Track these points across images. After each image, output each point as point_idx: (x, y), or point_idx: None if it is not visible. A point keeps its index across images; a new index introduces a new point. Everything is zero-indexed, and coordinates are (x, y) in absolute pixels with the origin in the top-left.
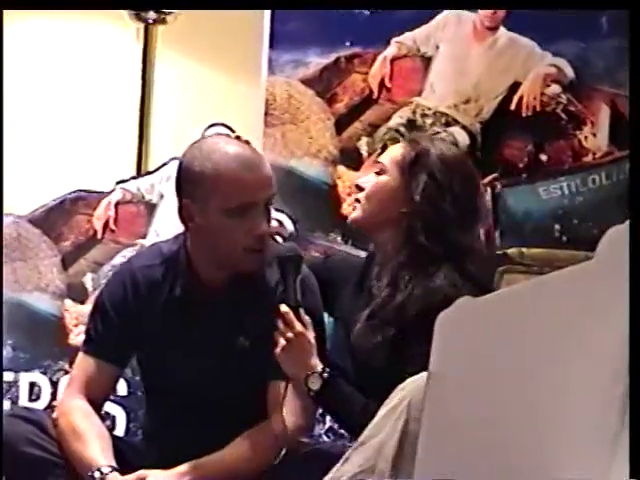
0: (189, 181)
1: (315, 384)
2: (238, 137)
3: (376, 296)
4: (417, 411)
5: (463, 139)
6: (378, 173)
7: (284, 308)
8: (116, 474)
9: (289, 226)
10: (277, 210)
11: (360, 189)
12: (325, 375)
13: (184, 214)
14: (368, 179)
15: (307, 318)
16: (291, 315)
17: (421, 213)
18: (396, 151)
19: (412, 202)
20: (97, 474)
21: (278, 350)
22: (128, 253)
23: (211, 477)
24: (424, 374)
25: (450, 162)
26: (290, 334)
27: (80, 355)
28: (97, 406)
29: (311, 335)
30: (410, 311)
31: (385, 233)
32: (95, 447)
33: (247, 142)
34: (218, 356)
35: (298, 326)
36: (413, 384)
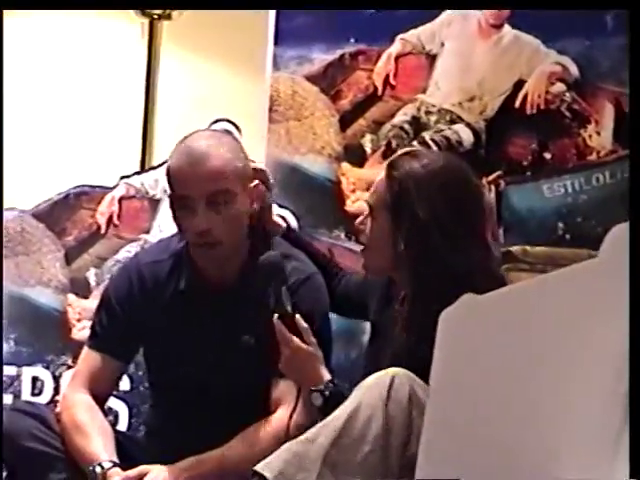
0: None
1: (317, 400)
2: (229, 132)
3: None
4: (371, 399)
5: (467, 137)
6: (371, 216)
7: (276, 321)
8: (117, 469)
9: (293, 222)
10: (280, 206)
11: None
12: (327, 393)
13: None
14: (364, 221)
15: (304, 326)
16: (283, 330)
17: (413, 252)
18: (379, 189)
19: (404, 242)
20: (98, 469)
21: (281, 363)
22: (132, 248)
23: (211, 473)
24: (389, 370)
25: (435, 182)
26: (287, 349)
27: (85, 350)
28: (101, 401)
29: (311, 346)
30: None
31: (396, 271)
32: (97, 442)
33: (233, 135)
34: (222, 353)
35: (294, 340)
36: (374, 377)
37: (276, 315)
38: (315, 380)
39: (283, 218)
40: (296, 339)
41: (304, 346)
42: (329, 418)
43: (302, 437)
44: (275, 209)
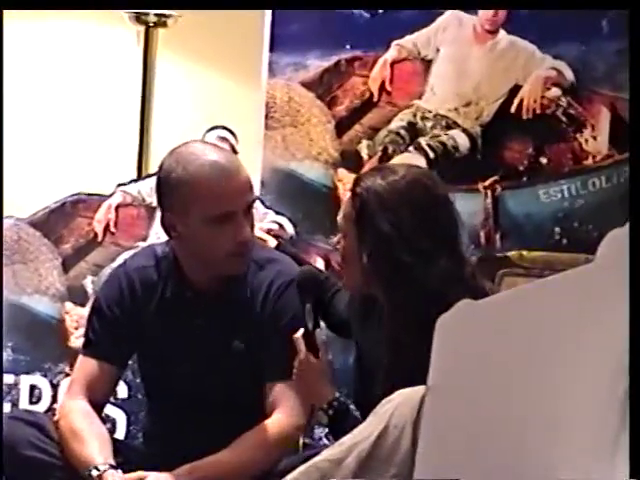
0: (167, 193)
1: (323, 419)
2: (225, 139)
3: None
4: (399, 418)
5: (463, 142)
6: (342, 233)
7: (297, 336)
8: (113, 471)
9: (289, 229)
10: (277, 213)
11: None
12: (330, 412)
13: (166, 224)
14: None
15: (322, 342)
16: (302, 345)
17: (378, 266)
18: (347, 206)
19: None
20: (94, 472)
21: (294, 375)
22: (130, 254)
23: (210, 479)
24: (416, 388)
25: (397, 197)
26: (302, 364)
27: (80, 357)
28: (98, 408)
29: (324, 363)
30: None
31: (368, 288)
32: (93, 446)
33: (231, 145)
34: (214, 359)
35: (309, 357)
36: (401, 395)
37: (301, 331)
38: (321, 396)
39: (280, 225)
40: (311, 357)
41: (317, 363)
42: (357, 437)
43: (329, 455)
44: (271, 216)
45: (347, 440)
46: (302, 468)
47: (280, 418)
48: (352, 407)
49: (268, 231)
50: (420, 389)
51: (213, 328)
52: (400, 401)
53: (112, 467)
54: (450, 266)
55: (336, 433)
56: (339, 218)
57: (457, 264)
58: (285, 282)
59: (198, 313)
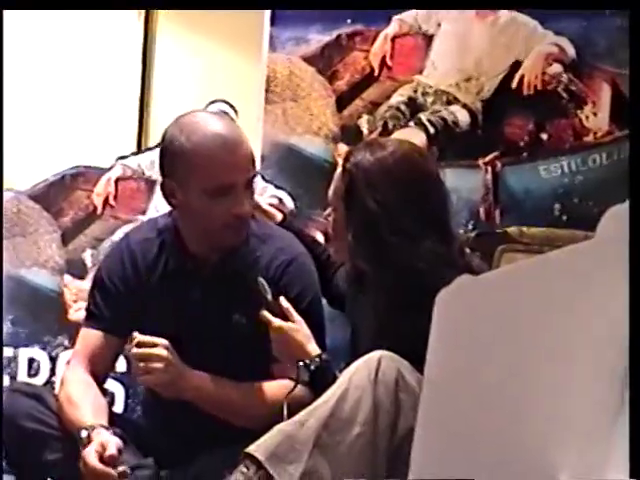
0: (169, 160)
1: (304, 375)
2: (225, 113)
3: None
4: (359, 380)
5: (464, 117)
6: (332, 206)
7: (262, 312)
8: (103, 430)
9: (289, 203)
10: (277, 187)
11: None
12: (312, 367)
13: (166, 191)
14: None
15: (286, 306)
16: (266, 315)
17: (364, 243)
18: (337, 180)
19: (352, 233)
20: (84, 432)
21: (273, 349)
22: (128, 229)
23: (217, 400)
24: (373, 352)
25: (385, 174)
26: (273, 332)
27: (82, 331)
28: (99, 380)
29: (296, 324)
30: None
31: (355, 262)
32: (86, 410)
33: (231, 119)
34: (214, 331)
35: (275, 322)
36: (360, 360)
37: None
38: (303, 357)
39: (279, 199)
40: (277, 320)
41: (286, 325)
42: (319, 401)
43: (293, 419)
44: (271, 190)
45: (311, 405)
46: (269, 434)
47: (287, 383)
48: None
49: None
50: (377, 353)
51: (214, 301)
52: (359, 364)
53: (103, 427)
54: (437, 246)
55: (316, 391)
56: (330, 192)
57: (445, 243)
58: (286, 260)
59: (199, 285)
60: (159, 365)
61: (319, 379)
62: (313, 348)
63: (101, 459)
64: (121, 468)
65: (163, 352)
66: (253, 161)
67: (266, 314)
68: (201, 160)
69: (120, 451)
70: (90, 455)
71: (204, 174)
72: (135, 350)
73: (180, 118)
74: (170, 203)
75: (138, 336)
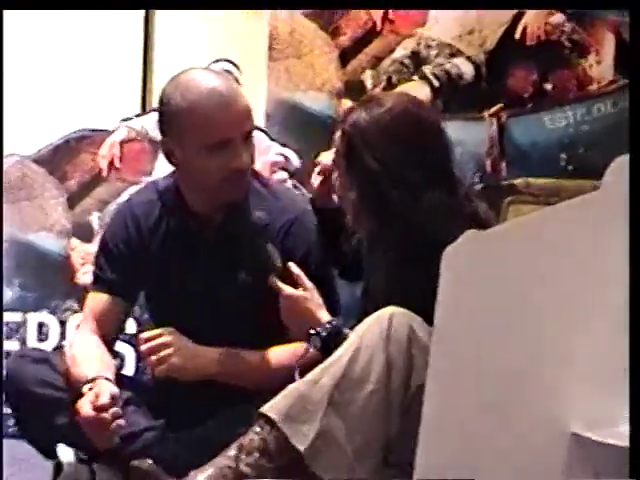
0: (166, 119)
1: (316, 342)
2: (229, 71)
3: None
4: (371, 338)
5: (468, 70)
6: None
7: (270, 278)
8: (104, 381)
9: (295, 161)
10: (282, 145)
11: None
12: (324, 334)
13: (165, 150)
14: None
15: (296, 273)
16: (276, 282)
17: (368, 202)
18: (336, 140)
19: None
20: (86, 387)
21: (281, 315)
22: (133, 191)
23: (231, 372)
24: (384, 309)
25: (381, 130)
26: (282, 300)
27: (89, 294)
28: (108, 343)
29: (307, 291)
30: None
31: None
32: (90, 366)
33: (235, 77)
34: (220, 291)
35: (285, 289)
36: (371, 317)
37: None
38: (314, 324)
39: (285, 157)
40: (287, 288)
41: (296, 293)
42: (331, 359)
43: (305, 378)
44: (276, 148)
45: (324, 363)
46: (282, 393)
47: (300, 346)
48: (346, 331)
49: (274, 164)
50: (389, 309)
51: (218, 261)
52: (370, 322)
53: (105, 379)
54: (442, 196)
55: (328, 355)
56: (333, 151)
57: (450, 193)
58: (289, 220)
59: (203, 245)
60: (168, 351)
61: (331, 344)
62: (324, 314)
63: (95, 408)
64: (113, 410)
65: (168, 338)
66: (250, 115)
67: (276, 281)
68: (196, 117)
69: (114, 397)
70: (83, 405)
71: (200, 130)
72: (143, 347)
73: (175, 77)
74: (171, 162)
75: (142, 335)
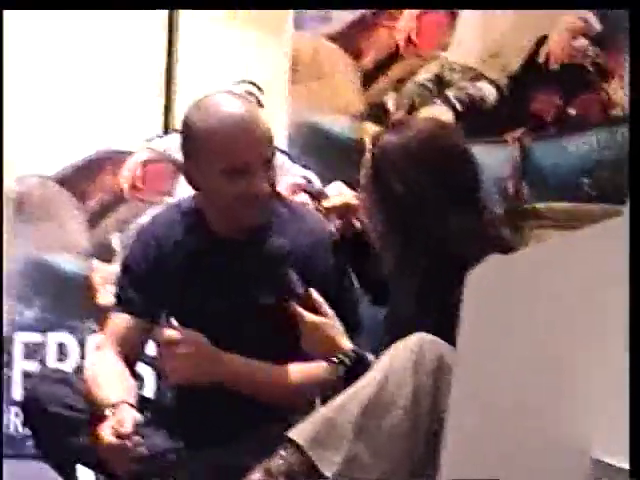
0: (188, 142)
1: (332, 374)
2: (251, 93)
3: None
4: (400, 363)
5: (491, 93)
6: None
7: (291, 303)
8: (126, 406)
9: (316, 183)
10: (304, 167)
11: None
12: (348, 362)
13: (187, 173)
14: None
15: (319, 300)
16: (296, 308)
17: (394, 227)
18: (365, 163)
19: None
20: (108, 411)
21: (302, 342)
22: (154, 212)
23: (249, 380)
24: (413, 335)
25: (409, 155)
26: (303, 326)
27: (111, 315)
28: (129, 364)
29: (327, 318)
30: None
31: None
32: (112, 389)
33: (257, 99)
34: (243, 312)
35: (306, 316)
36: (400, 342)
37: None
38: (335, 351)
39: (307, 179)
40: (308, 314)
41: (317, 320)
42: (359, 384)
43: (333, 404)
44: (298, 170)
45: (350, 388)
46: (309, 419)
47: (320, 366)
48: (370, 357)
49: (295, 186)
50: (417, 336)
51: (240, 282)
52: (399, 348)
53: (127, 404)
54: (469, 222)
55: (351, 384)
56: (361, 175)
57: (476, 219)
58: (311, 243)
59: (224, 266)
60: (184, 351)
61: (356, 374)
62: (345, 342)
63: (118, 435)
64: (135, 438)
65: (190, 349)
66: (271, 141)
67: (297, 308)
68: (216, 141)
69: (137, 426)
70: (105, 431)
71: (220, 155)
72: (161, 352)
73: (198, 100)
74: (192, 185)
75: (160, 338)
